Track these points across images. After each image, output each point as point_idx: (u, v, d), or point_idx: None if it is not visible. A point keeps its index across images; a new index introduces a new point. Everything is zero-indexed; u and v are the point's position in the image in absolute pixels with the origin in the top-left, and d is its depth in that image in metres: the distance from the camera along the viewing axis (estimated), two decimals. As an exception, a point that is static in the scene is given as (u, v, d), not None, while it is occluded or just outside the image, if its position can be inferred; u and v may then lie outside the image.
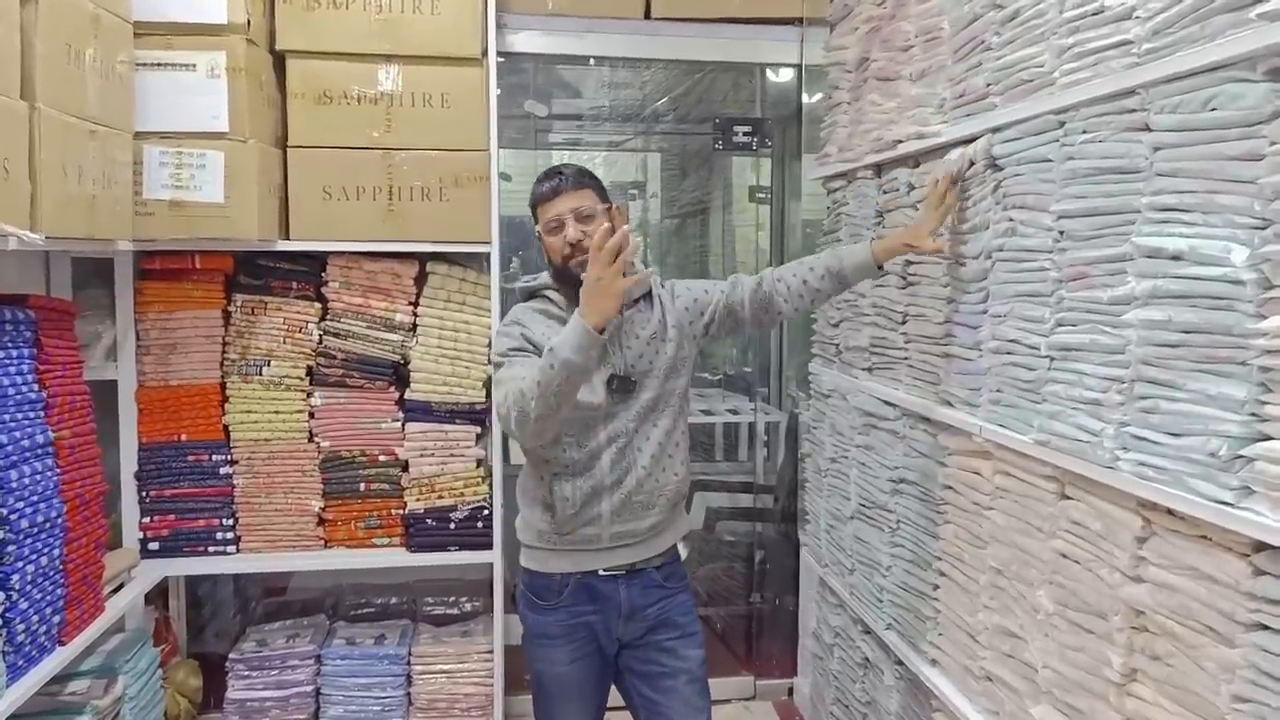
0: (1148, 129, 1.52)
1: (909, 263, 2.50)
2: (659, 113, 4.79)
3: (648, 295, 2.27)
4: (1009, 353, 1.95)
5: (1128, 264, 1.57)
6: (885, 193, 2.66)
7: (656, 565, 2.27)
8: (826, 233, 3.15)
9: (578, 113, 4.71)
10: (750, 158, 5.13)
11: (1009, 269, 1.96)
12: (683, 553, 2.39)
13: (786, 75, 3.88)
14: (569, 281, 2.15)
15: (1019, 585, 1.93)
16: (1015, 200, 1.94)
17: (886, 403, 2.60)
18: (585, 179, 2.18)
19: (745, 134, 3.51)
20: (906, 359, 2.51)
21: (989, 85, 2.03)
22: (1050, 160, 1.80)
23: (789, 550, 3.80)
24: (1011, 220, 1.94)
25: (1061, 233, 1.77)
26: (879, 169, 2.71)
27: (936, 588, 2.31)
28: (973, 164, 2.10)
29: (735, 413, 4.48)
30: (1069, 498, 1.77)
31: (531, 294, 2.29)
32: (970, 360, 2.13)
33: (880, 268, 2.30)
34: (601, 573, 2.22)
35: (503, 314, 3.14)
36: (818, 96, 3.38)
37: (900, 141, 2.47)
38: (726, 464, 4.69)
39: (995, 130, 2.01)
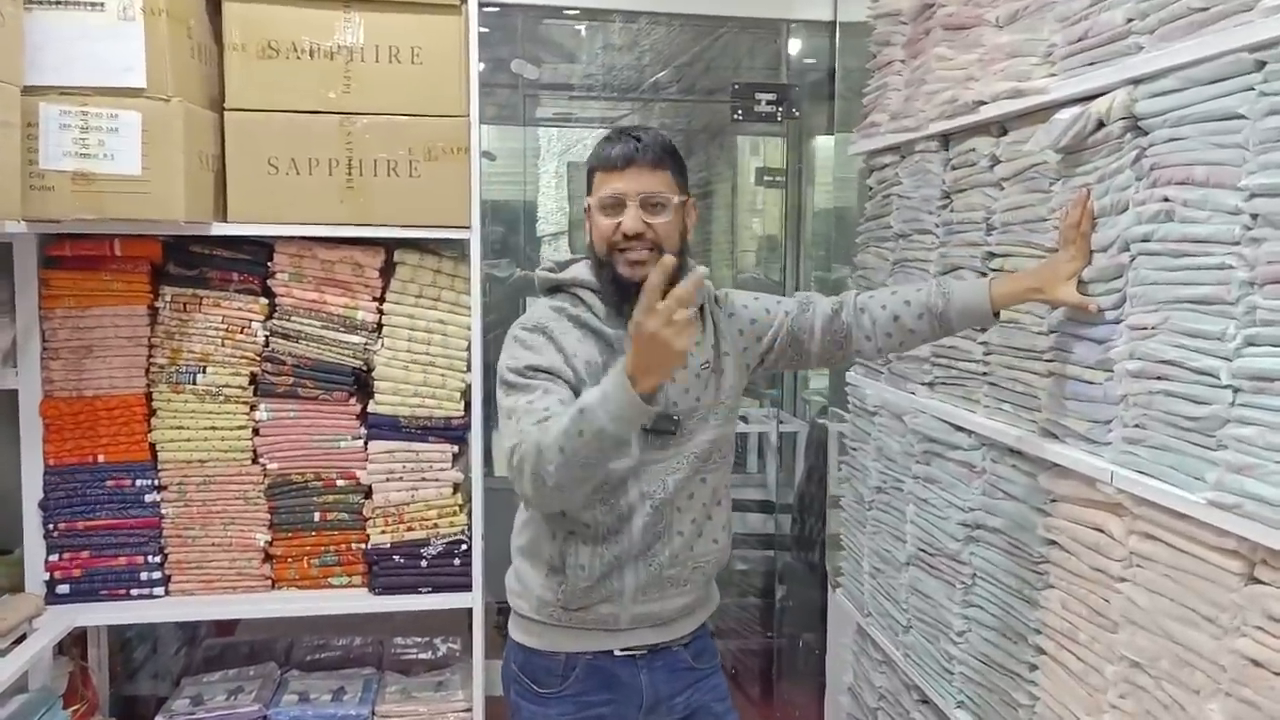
0: None
1: (991, 255, 2.01)
2: (660, 84, 4.29)
3: (699, 309, 1.77)
4: (1161, 378, 1.46)
5: (1391, 262, 1.08)
6: (955, 168, 2.16)
7: (685, 643, 1.80)
8: (869, 217, 2.66)
9: (566, 82, 4.21)
10: (754, 136, 4.67)
11: (1161, 265, 1.47)
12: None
13: (795, 46, 3.40)
14: (608, 278, 1.71)
15: (1172, 688, 1.44)
16: (1172, 173, 1.44)
17: (957, 427, 2.11)
18: (666, 156, 1.71)
19: (769, 103, 3.00)
20: (986, 374, 2.02)
21: (1130, 21, 1.53)
22: (1240, 117, 1.30)
23: (812, 581, 3.32)
24: (1167, 200, 1.45)
25: (1255, 216, 1.28)
26: (946, 139, 2.21)
27: (1034, 668, 1.82)
28: (1101, 126, 1.60)
29: (745, 420, 3.98)
30: (1263, 583, 1.29)
31: (553, 288, 1.80)
32: (1093, 384, 1.64)
33: (997, 316, 1.82)
34: (618, 653, 1.76)
35: (485, 312, 2.66)
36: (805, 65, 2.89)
37: (983, 103, 1.97)
38: (736, 476, 4.19)
39: (1137, 81, 1.52)
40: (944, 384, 2.21)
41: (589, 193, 1.73)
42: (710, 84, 4.01)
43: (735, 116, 3.10)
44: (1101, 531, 1.62)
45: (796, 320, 1.85)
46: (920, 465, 2.26)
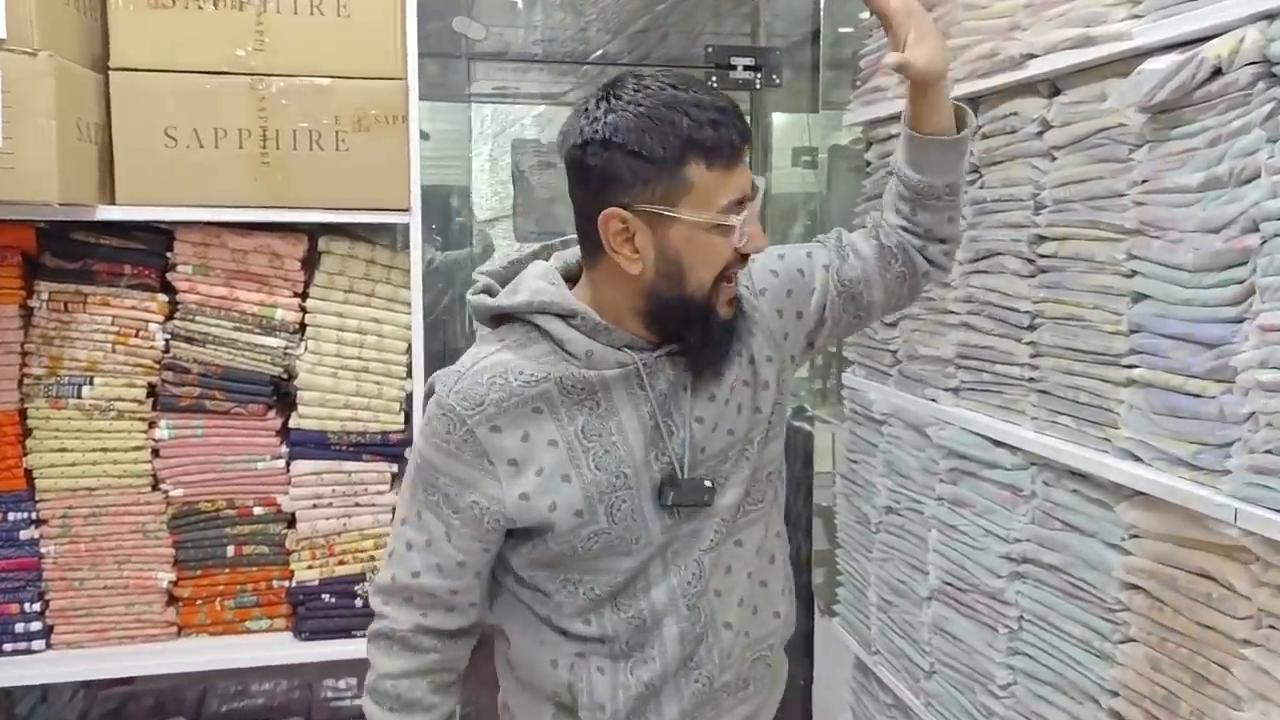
0: None
1: (1041, 238, 1.69)
2: (608, 56, 3.93)
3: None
4: (1313, 393, 1.15)
5: None
6: (987, 136, 1.84)
7: None
8: (869, 197, 2.34)
9: (513, 51, 3.83)
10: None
11: (1312, 250, 1.16)
12: None
13: (771, 8, 3.07)
14: (697, 324, 1.17)
15: (1332, 788, 1.14)
16: (1329, 131, 1.13)
17: (996, 442, 1.79)
18: None
19: (746, 68, 2.66)
20: (1035, 381, 1.71)
21: (1261, -60, 1.22)
22: None
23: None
24: (1323, 166, 1.14)
25: None
26: (974, 103, 1.88)
27: (1109, 737, 1.52)
28: (1216, 75, 1.29)
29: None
30: None
31: (502, 318, 1.24)
32: (1201, 398, 1.32)
33: (960, 128, 1.35)
34: None
35: (427, 312, 2.29)
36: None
37: (1033, 56, 1.65)
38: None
39: (1270, 16, 1.20)
40: (974, 390, 1.89)
41: (659, 199, 1.11)
42: (663, 56, 3.65)
43: (710, 84, 2.75)
44: (1213, 580, 1.31)
45: (842, 272, 1.35)
46: (946, 485, 1.94)
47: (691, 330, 1.17)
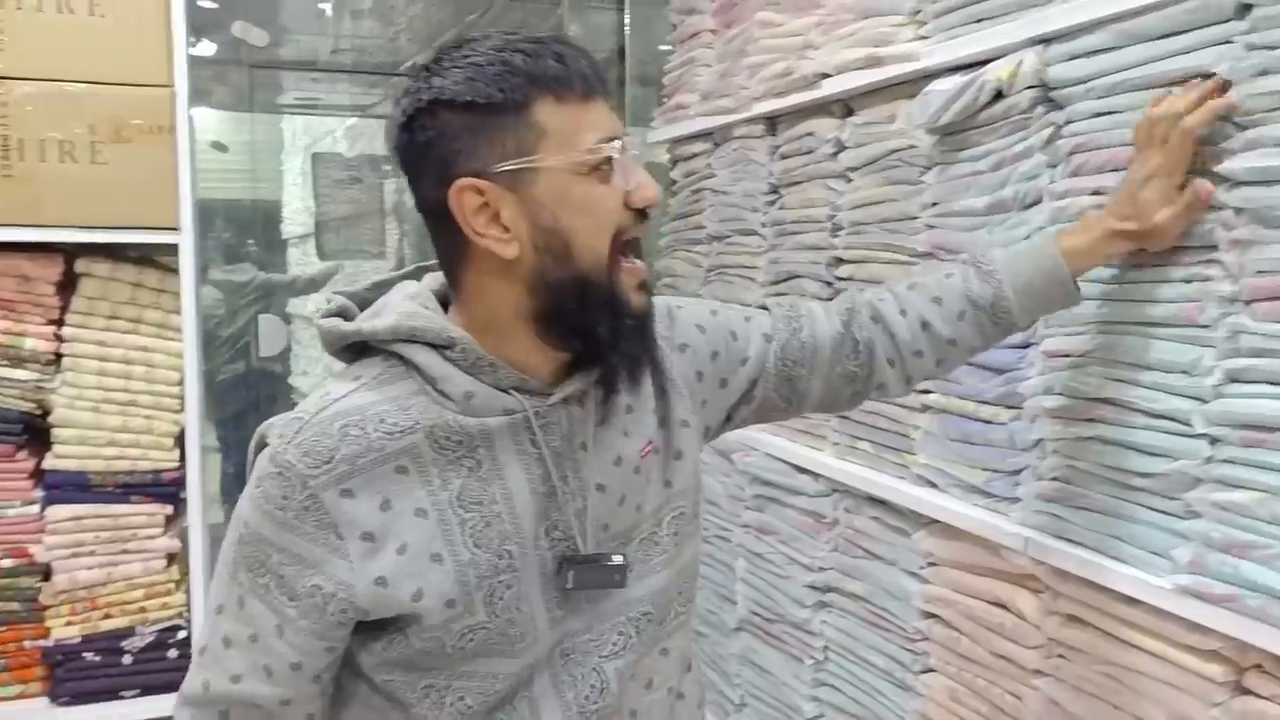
0: None
1: (839, 260, 1.66)
2: (418, 69, 3.81)
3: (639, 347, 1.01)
4: (1095, 419, 1.14)
5: None
6: (785, 157, 1.81)
7: None
8: (676, 216, 2.28)
9: (307, 60, 3.65)
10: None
11: (1093, 275, 1.14)
12: None
13: (576, 23, 3.00)
14: (603, 314, 0.91)
15: (1119, 818, 1.12)
16: (1106, 157, 1.12)
17: (799, 469, 1.75)
18: None
19: (550, 83, 2.57)
20: (835, 406, 1.67)
21: (1038, -36, 1.21)
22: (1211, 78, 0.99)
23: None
24: (1099, 193, 1.13)
25: (1239, 211, 0.97)
26: (773, 122, 1.85)
27: (911, 770, 1.49)
28: (999, 98, 1.27)
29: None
30: (1258, 695, 0.98)
31: (361, 348, 0.96)
32: (993, 424, 1.31)
33: (1076, 268, 1.09)
34: None
35: (240, 336, 2.11)
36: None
37: (826, 76, 1.62)
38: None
39: (1047, 40, 1.19)
40: (777, 415, 1.85)
41: (512, 152, 0.87)
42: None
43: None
44: (1006, 609, 1.29)
45: (786, 348, 1.11)
46: (752, 512, 1.89)
47: (598, 322, 0.91)
